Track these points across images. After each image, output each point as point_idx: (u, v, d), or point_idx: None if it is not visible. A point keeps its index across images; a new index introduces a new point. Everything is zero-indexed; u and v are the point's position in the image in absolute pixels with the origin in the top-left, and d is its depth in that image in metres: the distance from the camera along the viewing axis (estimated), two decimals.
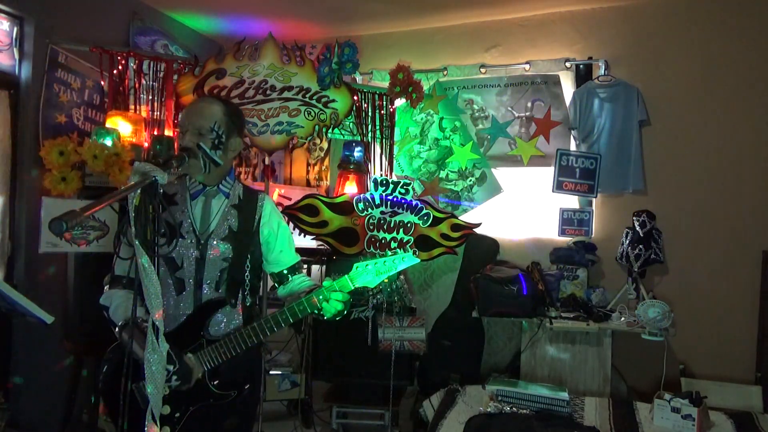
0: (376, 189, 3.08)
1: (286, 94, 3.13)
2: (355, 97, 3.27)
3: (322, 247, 3.40)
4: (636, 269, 3.39)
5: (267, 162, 3.32)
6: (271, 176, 3.37)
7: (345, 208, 3.11)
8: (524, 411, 2.62)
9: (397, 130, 3.77)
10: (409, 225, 3.10)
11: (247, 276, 1.82)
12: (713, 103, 3.53)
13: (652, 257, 3.37)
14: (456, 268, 3.90)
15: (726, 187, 3.49)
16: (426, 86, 3.89)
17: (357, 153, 3.57)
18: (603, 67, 3.75)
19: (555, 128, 3.85)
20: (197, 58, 3.18)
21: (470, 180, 3.97)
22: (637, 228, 3.39)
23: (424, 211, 3.11)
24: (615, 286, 3.58)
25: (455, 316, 3.75)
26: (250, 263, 1.82)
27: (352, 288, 1.67)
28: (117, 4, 3.71)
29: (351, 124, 3.38)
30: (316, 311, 1.69)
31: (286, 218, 2.75)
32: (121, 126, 3.04)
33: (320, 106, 3.17)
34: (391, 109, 3.49)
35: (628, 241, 3.43)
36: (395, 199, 3.08)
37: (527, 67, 3.91)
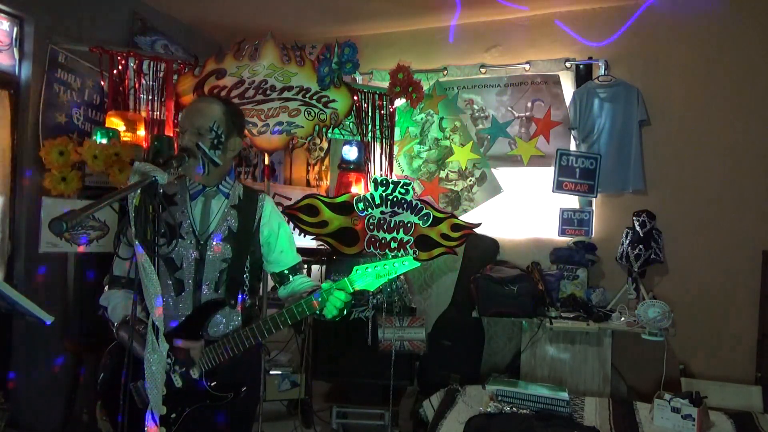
0: (376, 189, 3.08)
1: (286, 94, 3.13)
2: (355, 97, 3.27)
3: (322, 247, 3.40)
4: (636, 269, 3.39)
5: (267, 162, 3.32)
6: (271, 176, 3.37)
7: (345, 208, 3.11)
8: (524, 411, 2.62)
9: (397, 130, 3.78)
10: (409, 225, 3.10)
11: (247, 277, 1.82)
12: (713, 103, 3.53)
13: (652, 257, 3.37)
14: (456, 268, 3.90)
15: (726, 187, 3.48)
16: (426, 86, 3.89)
17: (355, 153, 3.57)
18: (603, 67, 3.75)
19: (555, 128, 3.85)
20: (197, 58, 3.18)
21: (470, 180, 3.97)
22: (637, 228, 3.39)
23: (424, 211, 3.11)
24: (615, 286, 3.58)
25: (455, 316, 3.75)
26: (249, 264, 1.82)
27: (352, 291, 1.67)
28: (117, 4, 3.71)
29: (351, 124, 3.37)
30: (315, 313, 1.69)
31: (286, 218, 2.75)
32: (121, 126, 3.04)
33: (320, 106, 3.17)
34: (391, 109, 3.49)
35: (628, 241, 3.43)
36: (395, 199, 3.08)
37: (527, 67, 3.91)
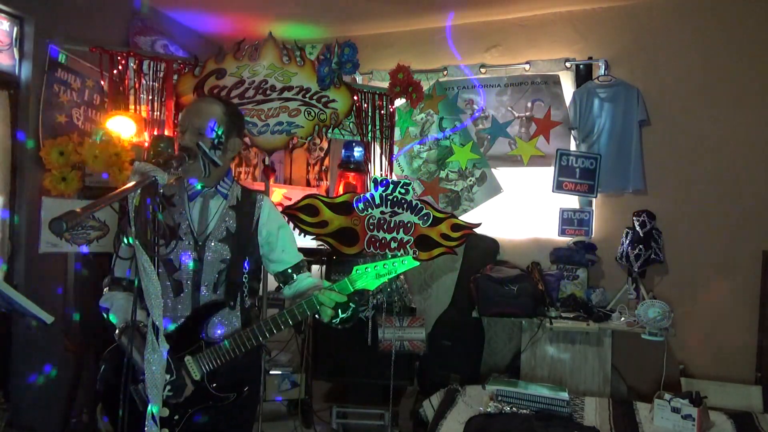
0: (376, 189, 3.08)
1: (286, 94, 3.13)
2: (355, 97, 3.27)
3: (322, 247, 3.40)
4: (636, 269, 3.39)
5: (267, 162, 3.31)
6: (271, 176, 3.37)
7: (345, 208, 3.11)
8: (524, 411, 2.62)
9: (397, 130, 3.78)
10: (409, 225, 3.10)
11: (246, 278, 1.81)
12: (713, 103, 3.53)
13: (652, 257, 3.37)
14: (456, 268, 3.90)
15: (726, 187, 3.48)
16: (426, 86, 3.89)
17: (357, 153, 3.57)
18: (603, 67, 3.75)
19: (555, 128, 3.85)
20: (197, 58, 3.17)
21: (470, 180, 3.97)
22: (637, 228, 3.39)
23: (424, 211, 3.11)
24: (615, 286, 3.58)
25: (455, 316, 3.75)
26: (248, 265, 1.82)
27: (352, 290, 1.67)
28: (117, 4, 3.71)
29: (351, 124, 3.37)
30: (316, 314, 1.69)
31: (286, 218, 2.74)
32: (121, 126, 3.04)
33: (320, 106, 3.17)
34: (391, 109, 3.49)
35: (628, 241, 3.43)
36: (395, 199, 3.08)
37: (527, 67, 3.91)
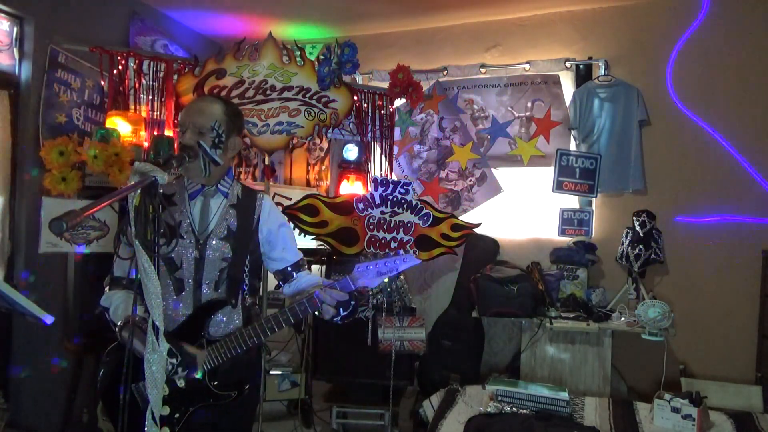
0: (376, 189, 3.08)
1: (286, 94, 3.13)
2: (355, 97, 3.27)
3: (322, 247, 3.40)
4: (636, 269, 3.39)
5: (267, 162, 3.31)
6: (271, 176, 3.37)
7: (345, 208, 3.11)
8: (524, 411, 2.62)
9: (397, 130, 3.78)
10: (409, 225, 3.10)
11: (247, 276, 1.82)
12: (713, 103, 3.53)
13: (652, 257, 3.37)
14: (456, 268, 3.90)
15: (726, 187, 3.48)
16: (426, 86, 3.89)
17: (356, 153, 3.57)
18: (603, 67, 3.75)
19: (555, 128, 3.86)
20: (197, 58, 3.18)
21: (470, 180, 3.97)
22: (637, 228, 3.39)
23: (424, 211, 3.11)
24: (615, 286, 3.58)
25: (455, 316, 3.75)
26: (249, 263, 1.82)
27: (353, 289, 1.67)
28: (117, 4, 3.71)
29: (351, 124, 3.38)
30: (317, 312, 1.69)
31: (286, 218, 2.74)
32: (121, 126, 3.04)
33: (320, 106, 3.17)
34: (391, 109, 3.49)
35: (628, 241, 3.43)
36: (395, 199, 3.08)
37: (527, 67, 3.91)
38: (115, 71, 3.08)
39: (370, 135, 3.44)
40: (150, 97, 3.14)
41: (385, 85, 3.42)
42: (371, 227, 3.09)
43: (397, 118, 3.65)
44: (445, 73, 4.06)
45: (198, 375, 1.64)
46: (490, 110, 4.01)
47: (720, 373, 3.34)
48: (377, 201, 3.08)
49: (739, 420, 2.64)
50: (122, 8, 3.74)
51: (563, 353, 3.30)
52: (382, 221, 3.09)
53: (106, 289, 1.76)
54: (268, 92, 3.10)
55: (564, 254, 3.63)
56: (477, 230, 3.29)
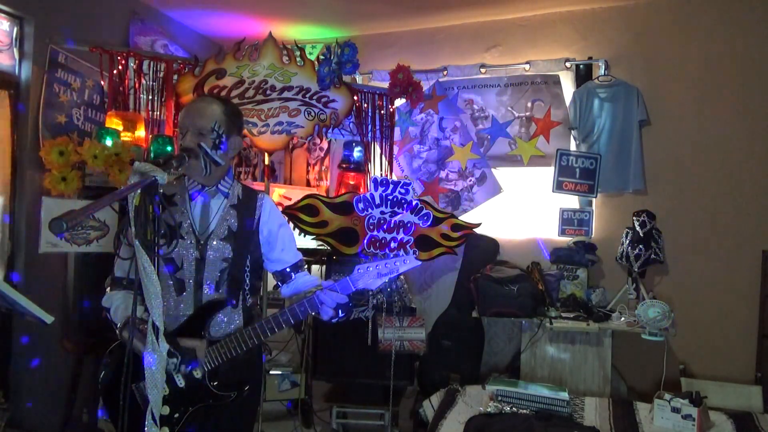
0: (376, 189, 3.08)
1: (286, 94, 3.13)
2: (355, 97, 3.27)
3: (322, 247, 3.40)
4: (636, 269, 3.39)
5: (267, 162, 3.32)
6: (271, 176, 3.37)
7: (345, 208, 3.11)
8: (524, 411, 2.62)
9: (397, 130, 3.78)
10: (409, 225, 3.10)
11: (247, 276, 1.82)
12: (713, 103, 3.53)
13: (652, 257, 3.37)
14: (456, 268, 3.90)
15: (726, 187, 3.48)
16: (426, 86, 3.89)
17: (357, 153, 3.56)
18: (603, 67, 3.75)
19: (555, 128, 3.85)
20: (197, 58, 3.18)
21: (470, 180, 3.97)
22: (637, 228, 3.39)
23: (424, 211, 3.11)
24: (615, 286, 3.58)
25: (455, 316, 3.75)
26: (250, 263, 1.82)
27: (354, 290, 1.67)
28: (117, 4, 3.71)
29: (351, 124, 3.38)
30: (316, 312, 1.69)
31: (286, 218, 2.75)
32: (121, 126, 3.04)
33: (320, 106, 3.17)
34: (391, 109, 3.49)
35: (628, 241, 3.43)
36: (395, 199, 3.08)
37: (527, 67, 3.91)
38: (115, 71, 3.08)
39: (370, 135, 3.44)
40: (150, 97, 3.14)
41: (385, 85, 3.42)
42: (371, 227, 3.09)
43: (397, 118, 3.65)
44: (445, 73, 4.06)
45: (197, 375, 1.64)
46: (490, 110, 4.01)
47: (720, 373, 3.34)
48: (377, 201, 3.08)
49: (739, 420, 2.64)
50: (122, 8, 3.74)
51: (563, 353, 3.30)
52: (382, 221, 3.09)
53: (107, 289, 1.76)
54: (268, 92, 3.11)
55: (564, 254, 3.63)
56: (477, 230, 3.29)
